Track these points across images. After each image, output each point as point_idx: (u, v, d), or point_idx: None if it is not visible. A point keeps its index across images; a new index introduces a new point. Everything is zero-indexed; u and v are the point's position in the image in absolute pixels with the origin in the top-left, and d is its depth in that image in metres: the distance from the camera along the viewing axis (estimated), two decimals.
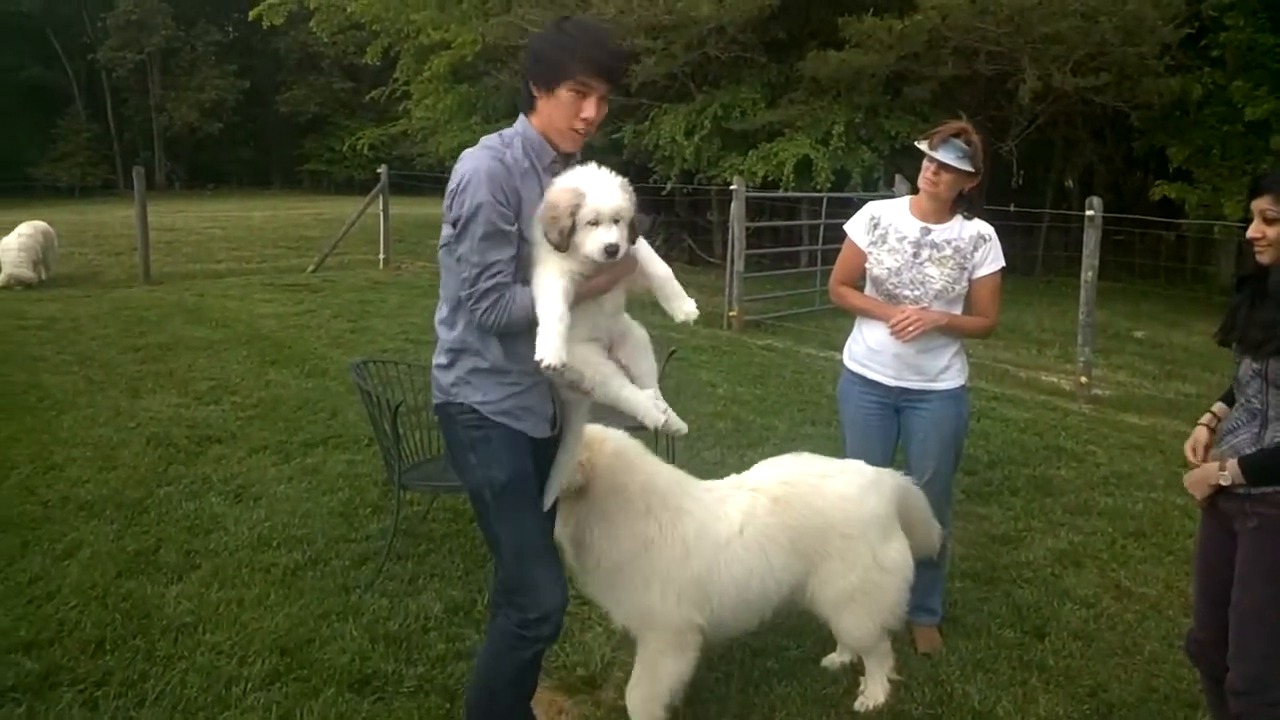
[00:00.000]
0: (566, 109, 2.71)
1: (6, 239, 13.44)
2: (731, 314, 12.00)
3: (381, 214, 17.15)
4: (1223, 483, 2.87)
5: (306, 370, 8.74)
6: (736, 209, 11.95)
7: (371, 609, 4.29)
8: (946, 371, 3.99)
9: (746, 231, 12.32)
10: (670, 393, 3.07)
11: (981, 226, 3.97)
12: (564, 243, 2.65)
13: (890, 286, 3.95)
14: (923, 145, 3.87)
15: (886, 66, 14.86)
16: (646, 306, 2.93)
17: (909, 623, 4.12)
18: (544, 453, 2.97)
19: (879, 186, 14.59)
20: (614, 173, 2.74)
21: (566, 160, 2.83)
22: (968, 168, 3.80)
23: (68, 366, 8.70)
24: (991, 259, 3.95)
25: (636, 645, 3.40)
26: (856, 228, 4.08)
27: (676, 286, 2.84)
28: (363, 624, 4.15)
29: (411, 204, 24.31)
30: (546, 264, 2.70)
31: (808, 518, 3.42)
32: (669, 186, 17.10)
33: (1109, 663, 4.05)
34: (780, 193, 15.18)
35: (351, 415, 7.15)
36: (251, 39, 47.04)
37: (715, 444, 6.78)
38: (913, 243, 3.93)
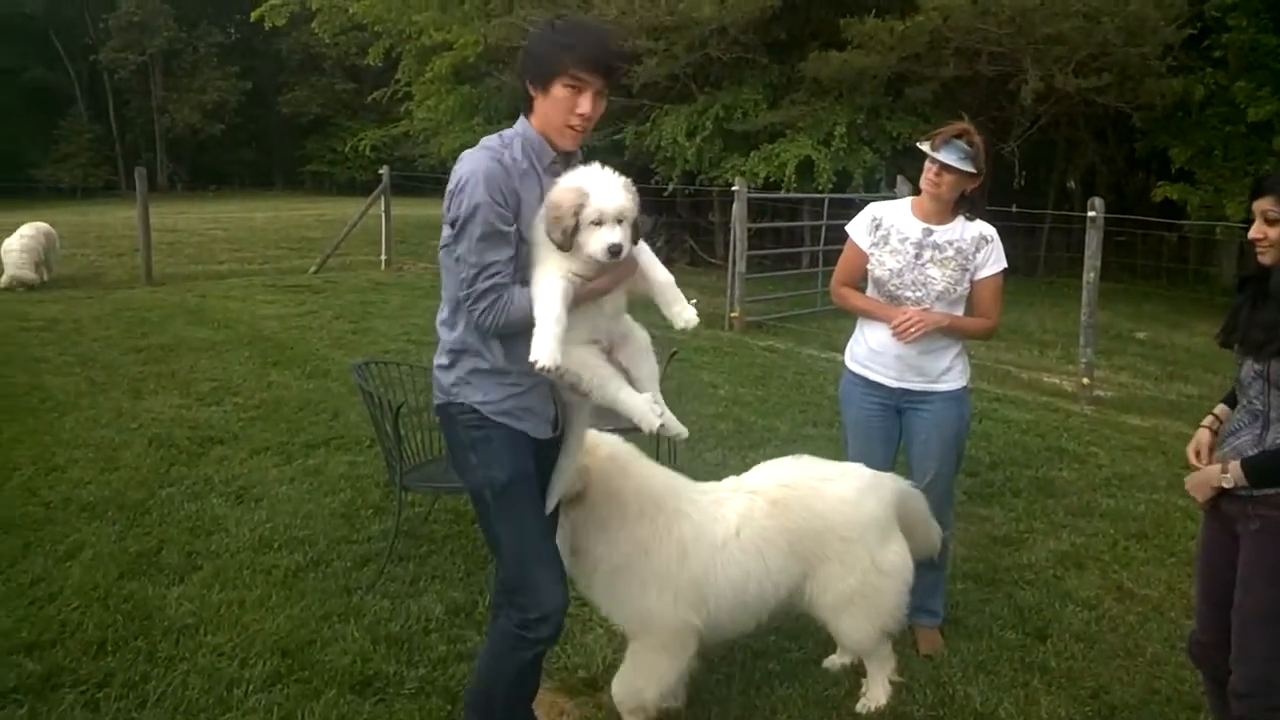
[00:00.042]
0: (562, 105, 2.71)
1: (9, 240, 13.45)
2: (733, 315, 12.00)
3: (383, 215, 17.15)
4: (1225, 485, 2.86)
5: (308, 371, 8.74)
6: (738, 210, 11.95)
7: (373, 610, 4.29)
8: (948, 373, 3.98)
9: (748, 232, 12.33)
10: (672, 394, 3.08)
11: (983, 227, 3.96)
12: (567, 242, 2.64)
13: (892, 288, 3.94)
14: (925, 146, 3.87)
15: (888, 67, 14.86)
16: (649, 308, 2.93)
17: (911, 624, 4.12)
18: (546, 454, 2.97)
19: (881, 187, 14.57)
20: (617, 173, 2.74)
21: (566, 161, 2.84)
22: (970, 169, 3.79)
23: (70, 368, 8.70)
24: (993, 260, 3.95)
25: (629, 640, 3.41)
26: (858, 229, 4.08)
27: (677, 293, 2.83)
28: (364, 625, 4.15)
29: (413, 205, 24.32)
30: (546, 265, 2.70)
31: (806, 521, 3.42)
32: (671, 187, 17.09)
33: (1111, 665, 4.04)
34: (782, 194, 15.18)
35: (353, 416, 7.15)
36: (253, 40, 47.10)
37: (717, 445, 6.78)
38: (915, 244, 3.93)
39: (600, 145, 15.72)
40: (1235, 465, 2.85)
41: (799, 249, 15.81)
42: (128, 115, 47.75)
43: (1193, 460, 3.08)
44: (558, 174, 2.79)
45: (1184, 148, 16.02)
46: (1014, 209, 14.23)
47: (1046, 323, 12.77)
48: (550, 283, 2.66)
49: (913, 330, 3.83)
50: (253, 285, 14.31)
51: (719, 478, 3.66)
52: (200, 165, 49.25)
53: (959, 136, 3.81)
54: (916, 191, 4.06)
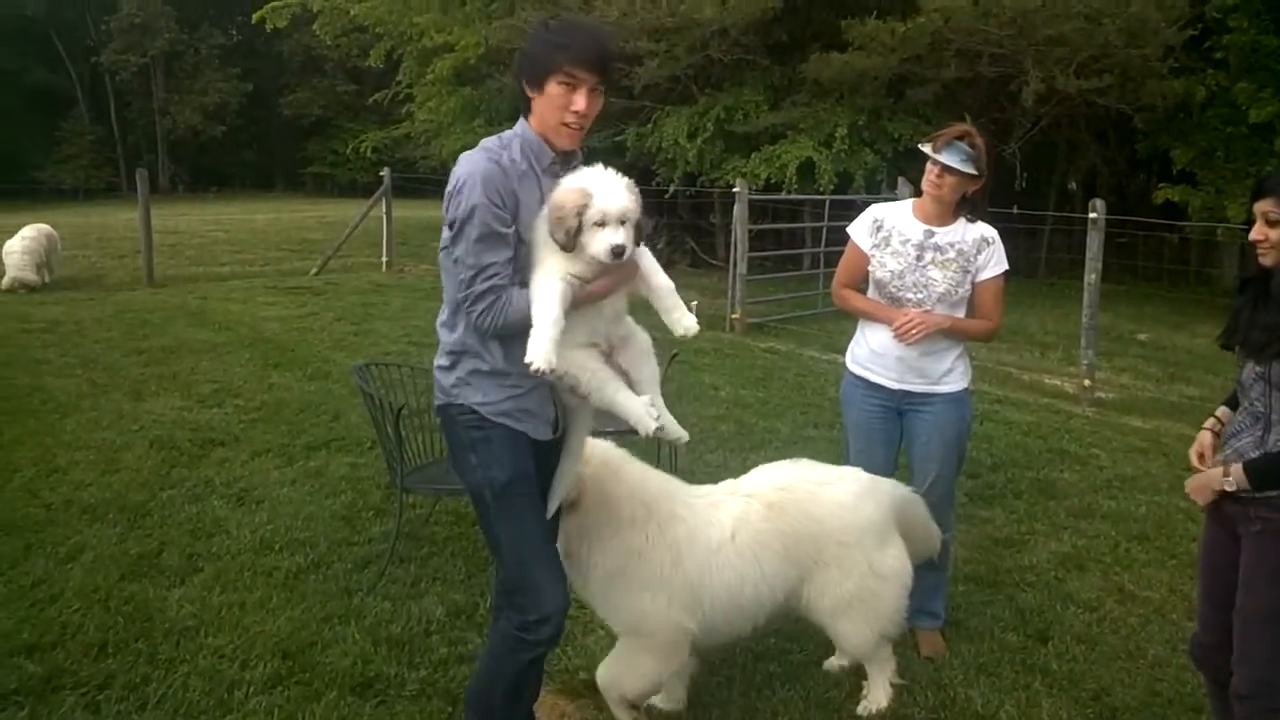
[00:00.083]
0: (557, 103, 2.71)
1: (10, 242, 13.45)
2: (734, 316, 12.00)
3: (384, 217, 17.16)
4: (1227, 488, 2.85)
5: (309, 373, 8.74)
6: (739, 211, 11.95)
7: (374, 612, 4.29)
8: (949, 374, 3.98)
9: (749, 234, 12.32)
10: (672, 395, 3.08)
11: (985, 229, 3.96)
12: (570, 243, 2.65)
13: (893, 289, 3.94)
14: (926, 148, 3.87)
15: (889, 69, 14.86)
16: (650, 310, 2.92)
17: (912, 627, 4.11)
18: (547, 457, 2.97)
19: (882, 189, 14.59)
20: (619, 174, 2.74)
21: (566, 162, 2.84)
22: (971, 171, 3.79)
23: (71, 369, 8.71)
24: (995, 262, 3.94)
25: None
26: (859, 230, 4.08)
27: (676, 299, 2.83)
28: (365, 627, 4.15)
29: (414, 207, 24.33)
30: (544, 266, 2.70)
31: (803, 525, 3.42)
32: (672, 189, 17.10)
33: (1112, 667, 4.04)
34: (783, 195, 15.19)
35: (354, 418, 7.15)
36: (255, 42, 47.13)
37: (718, 447, 6.78)
38: (916, 245, 3.92)
39: (601, 147, 15.73)
40: (1237, 468, 2.84)
41: (800, 250, 15.82)
42: (129, 117, 47.79)
43: (1195, 462, 3.08)
44: (557, 175, 2.79)
45: (1185, 149, 16.03)
46: (1015, 210, 14.25)
47: (1048, 324, 12.77)
48: (549, 285, 2.66)
49: (914, 332, 3.83)
50: (254, 287, 14.31)
51: (720, 480, 3.66)
52: (201, 167, 49.29)
53: (961, 138, 3.81)
54: (918, 193, 4.06)
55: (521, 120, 2.82)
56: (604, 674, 3.41)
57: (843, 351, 4.32)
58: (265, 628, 4.13)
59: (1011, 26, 13.98)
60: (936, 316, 3.87)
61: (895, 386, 3.98)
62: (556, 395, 2.92)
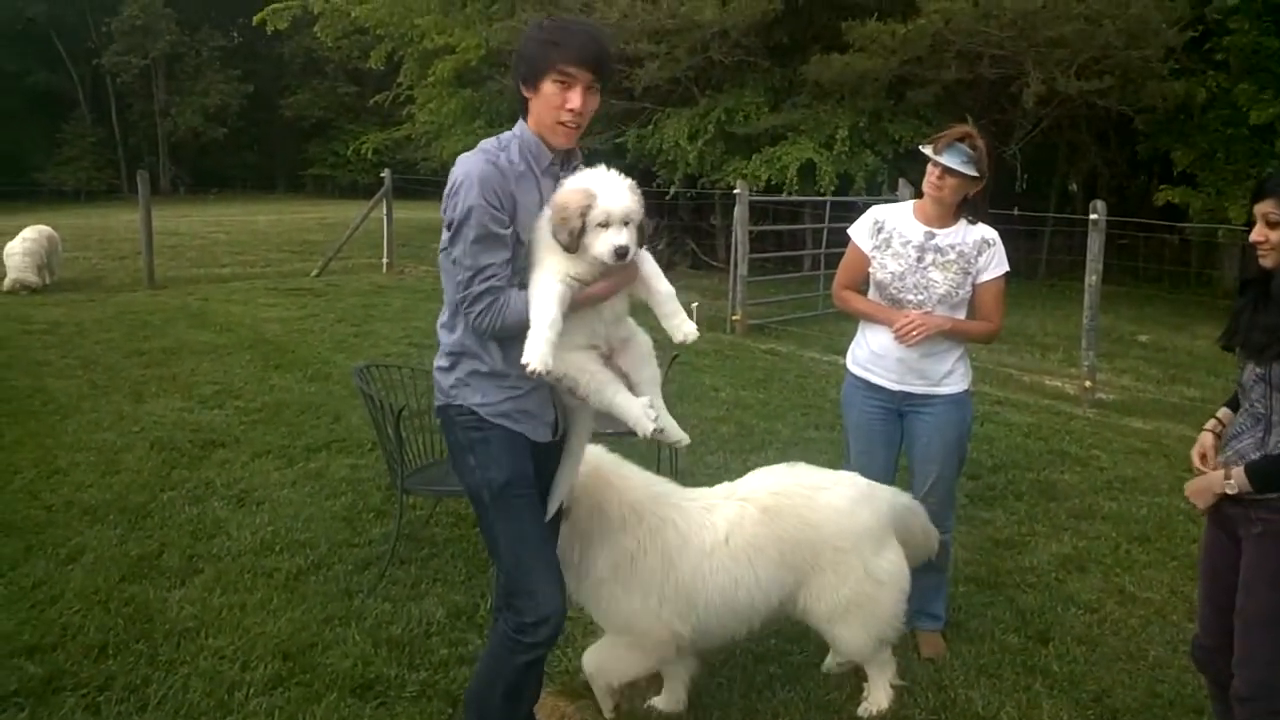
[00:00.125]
0: (552, 102, 2.72)
1: (11, 244, 13.46)
2: (735, 318, 12.00)
3: (385, 218, 17.16)
4: (1229, 491, 2.85)
5: (310, 374, 8.75)
6: (740, 213, 11.95)
7: (374, 614, 4.29)
8: (950, 376, 3.98)
9: (750, 235, 12.32)
10: (673, 397, 3.08)
11: (986, 231, 3.96)
12: (573, 244, 2.65)
13: (894, 291, 3.94)
14: (927, 150, 3.87)
15: (890, 70, 14.87)
16: (652, 312, 2.92)
17: (912, 628, 4.11)
18: (547, 459, 2.97)
19: (882, 190, 14.59)
20: (622, 175, 2.74)
21: (566, 163, 2.84)
22: (972, 172, 3.79)
23: (72, 371, 8.71)
24: (995, 263, 3.94)
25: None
26: (860, 232, 4.07)
27: (676, 305, 2.82)
28: (365, 629, 4.15)
29: (415, 208, 24.34)
30: (543, 268, 2.70)
31: (799, 530, 3.42)
32: (672, 191, 17.10)
33: (1113, 668, 4.03)
34: (784, 197, 15.19)
35: (355, 419, 7.15)
36: (256, 44, 47.18)
37: (718, 448, 6.78)
38: (917, 247, 3.92)
39: (602, 148, 15.75)
40: (1238, 471, 2.83)
41: (800, 252, 15.82)
42: (130, 119, 47.81)
43: (1196, 464, 3.07)
44: (556, 176, 2.80)
45: (1186, 151, 16.03)
46: (1016, 212, 14.27)
47: (1048, 326, 12.76)
48: (547, 286, 2.66)
49: (914, 333, 3.83)
50: (255, 288, 14.32)
51: (719, 482, 3.67)
52: (202, 168, 49.26)
53: (962, 140, 3.80)
54: (919, 194, 4.06)
55: (520, 122, 2.83)
56: (590, 659, 3.48)
57: (843, 353, 4.32)
58: (266, 629, 4.13)
59: (1012, 28, 13.99)
60: (937, 318, 3.86)
61: (896, 388, 3.98)
62: (557, 397, 2.92)
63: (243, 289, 14.27)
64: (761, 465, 3.75)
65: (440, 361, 2.90)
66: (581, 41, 2.71)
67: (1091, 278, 8.92)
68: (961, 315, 3.96)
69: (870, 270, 4.02)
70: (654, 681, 3.67)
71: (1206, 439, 3.10)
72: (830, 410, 7.55)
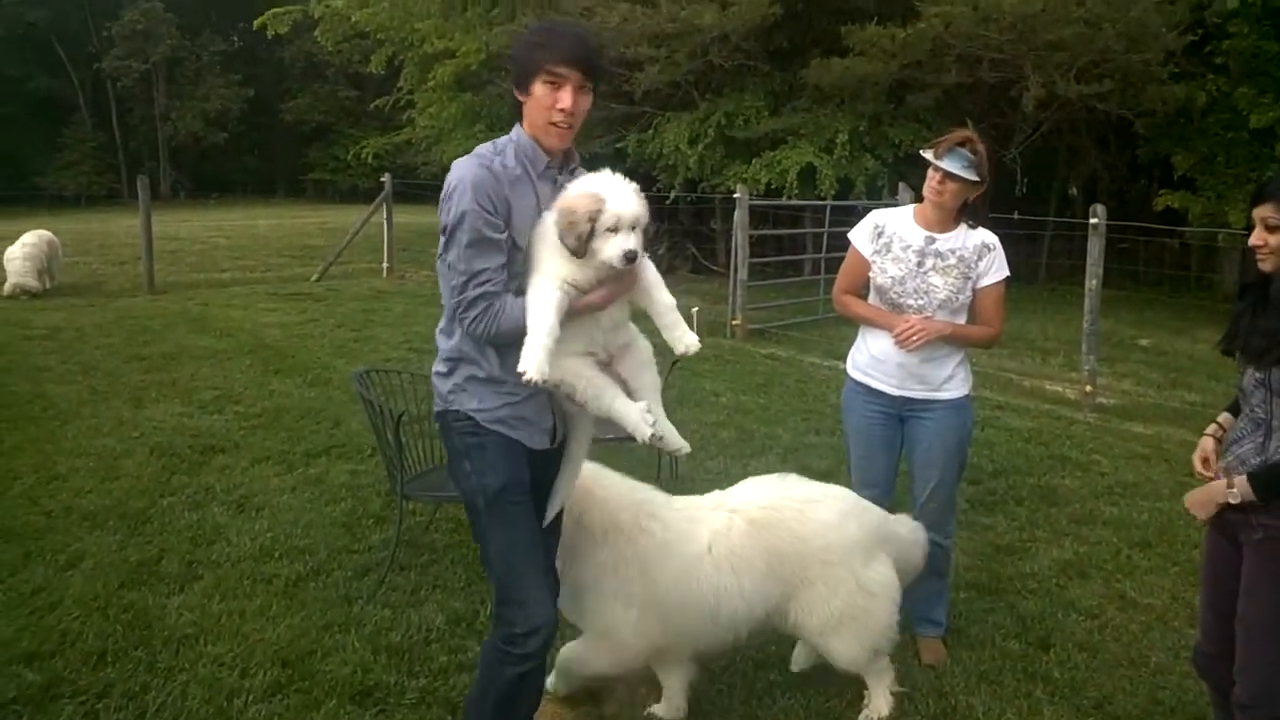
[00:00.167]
0: (543, 103, 2.72)
1: (11, 248, 13.46)
2: (735, 322, 12.00)
3: (385, 223, 17.15)
4: (1232, 500, 2.84)
5: (310, 380, 8.74)
6: (740, 217, 11.95)
7: (374, 620, 4.28)
8: (950, 381, 3.97)
9: (750, 240, 12.33)
10: (673, 402, 3.07)
11: (986, 235, 3.95)
12: (581, 249, 2.64)
13: (894, 295, 3.93)
14: (928, 154, 3.87)
15: (890, 74, 14.86)
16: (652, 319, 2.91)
17: (913, 634, 4.12)
18: (546, 467, 2.96)
19: (883, 195, 14.59)
20: (627, 179, 2.74)
21: (563, 167, 2.84)
22: (973, 177, 3.79)
23: (72, 376, 8.70)
24: (996, 268, 3.94)
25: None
26: (860, 236, 4.07)
27: (677, 317, 2.81)
28: (365, 635, 4.14)
29: (415, 213, 24.33)
30: (541, 274, 2.70)
31: (787, 543, 3.42)
32: (673, 195, 17.11)
33: (1114, 675, 4.02)
34: (784, 201, 15.19)
35: (354, 425, 7.14)
36: (256, 48, 47.14)
37: (718, 453, 6.77)
38: (917, 251, 3.92)
39: (603, 153, 15.73)
40: (1241, 479, 2.82)
41: (801, 256, 15.82)
42: (131, 123, 47.81)
43: (1198, 468, 3.07)
44: (554, 180, 2.80)
45: (1186, 154, 16.03)
46: (1016, 216, 14.22)
47: (1049, 330, 12.76)
48: (545, 293, 2.66)
49: (915, 338, 3.82)
50: (255, 293, 14.32)
51: (720, 486, 3.67)
52: (203, 173, 49.23)
53: (962, 144, 3.80)
54: (919, 199, 4.05)
55: (516, 126, 2.83)
56: (566, 655, 3.50)
57: (844, 358, 4.31)
58: (265, 636, 4.12)
59: (1012, 32, 13.98)
60: (937, 323, 3.86)
61: (896, 393, 3.97)
62: (556, 404, 2.91)
63: (243, 294, 14.27)
64: (762, 470, 3.76)
65: (439, 367, 2.89)
66: (569, 42, 2.72)
67: (1092, 282, 8.91)
68: (962, 320, 3.96)
69: (870, 275, 4.01)
70: (654, 690, 3.66)
71: (1207, 444, 3.10)
72: (831, 415, 7.54)
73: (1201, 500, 2.96)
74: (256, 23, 24.79)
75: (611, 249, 2.64)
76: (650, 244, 2.86)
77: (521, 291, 2.72)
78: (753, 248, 12.60)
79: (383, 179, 17.59)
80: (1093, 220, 8.95)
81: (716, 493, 3.63)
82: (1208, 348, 10.32)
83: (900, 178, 13.04)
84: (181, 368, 9.10)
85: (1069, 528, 5.67)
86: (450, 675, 3.84)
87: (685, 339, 2.78)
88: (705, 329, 11.03)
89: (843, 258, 4.17)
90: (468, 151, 2.82)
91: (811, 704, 3.72)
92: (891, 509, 4.07)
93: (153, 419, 7.33)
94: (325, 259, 17.09)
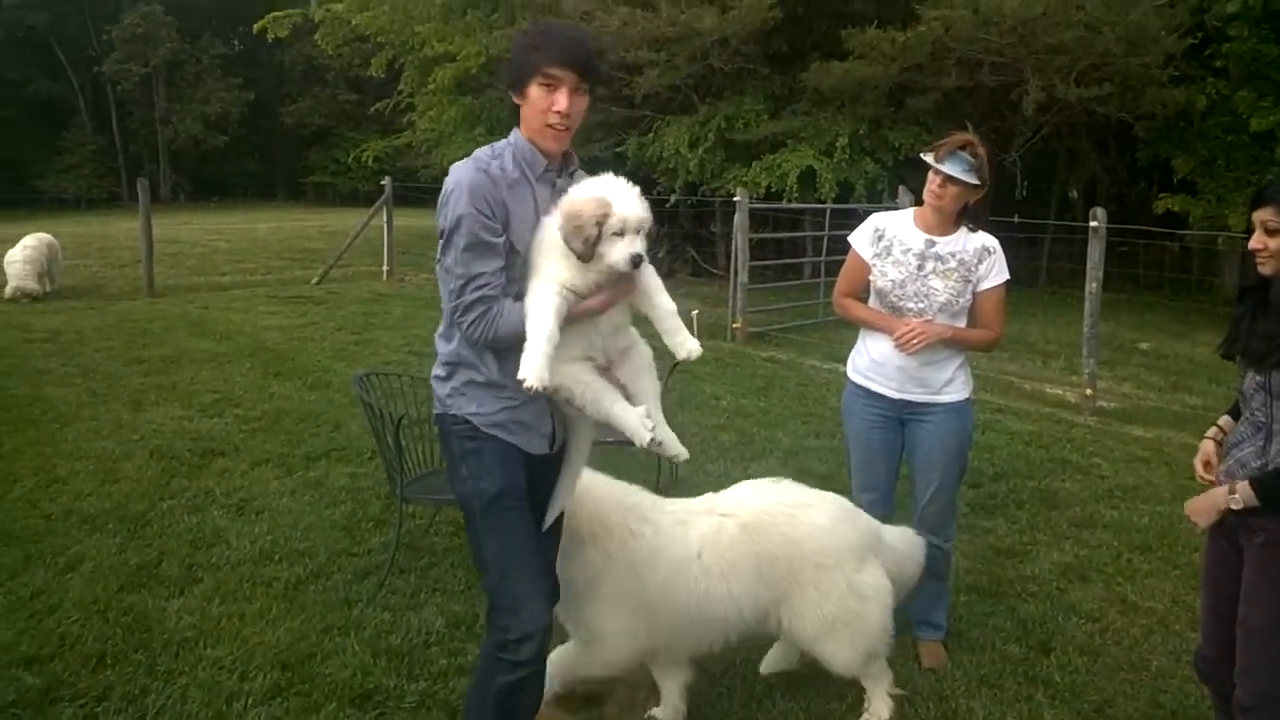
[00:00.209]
0: (538, 105, 2.72)
1: (11, 251, 13.48)
2: (735, 326, 12.00)
3: (385, 226, 17.17)
4: (1234, 506, 2.82)
5: (310, 383, 8.74)
6: (740, 220, 11.95)
7: (373, 623, 4.27)
8: (951, 384, 3.97)
9: (750, 243, 12.33)
10: (674, 405, 3.07)
11: (986, 239, 3.95)
12: (588, 253, 2.63)
13: (894, 299, 3.93)
14: (929, 158, 3.87)
15: (890, 78, 14.87)
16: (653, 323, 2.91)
17: (914, 638, 4.11)
18: (545, 473, 2.95)
19: (883, 198, 14.59)
20: (630, 183, 2.73)
21: (561, 170, 2.84)
22: (974, 180, 3.79)
23: (71, 379, 8.70)
24: (996, 271, 3.93)
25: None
26: (860, 239, 4.07)
27: (678, 322, 2.79)
28: (364, 638, 4.14)
29: (415, 216, 24.31)
30: (540, 278, 2.69)
31: (779, 546, 3.42)
32: (673, 198, 17.11)
33: (1115, 678, 4.02)
34: (784, 204, 15.19)
35: (354, 428, 7.14)
36: (257, 52, 47.17)
37: (719, 456, 6.76)
38: (917, 255, 3.92)
39: (602, 156, 15.74)
40: (1243, 485, 2.81)
41: (801, 259, 15.81)
42: (131, 126, 47.86)
43: (1200, 472, 3.06)
44: (552, 183, 2.79)
45: (1186, 158, 16.03)
46: (1016, 219, 14.21)
47: (1049, 333, 12.76)
48: (544, 298, 2.65)
49: (915, 342, 3.82)
50: (255, 296, 14.32)
51: (719, 490, 3.67)
52: (203, 176, 49.28)
53: (963, 148, 3.80)
54: (919, 202, 4.05)
55: (514, 130, 2.83)
56: (555, 659, 3.46)
57: (844, 361, 4.31)
58: (265, 639, 4.11)
59: (1012, 35, 13.99)
60: (937, 326, 3.85)
61: (896, 396, 3.97)
62: (556, 408, 2.90)
63: (243, 297, 14.28)
64: (762, 474, 3.76)
65: (438, 371, 2.89)
66: (564, 44, 2.72)
67: (1092, 285, 8.92)
68: (962, 323, 3.96)
69: (871, 278, 4.01)
70: (654, 693, 3.66)
71: (1208, 447, 3.10)
72: (831, 418, 7.54)
73: (1203, 507, 2.95)
74: (257, 26, 24.79)
75: (618, 253, 2.64)
76: (650, 247, 2.86)
77: (520, 296, 2.71)
78: (753, 251, 12.60)
79: (383, 182, 17.62)
80: (1093, 223, 8.96)
81: (709, 496, 3.63)
82: (1208, 351, 10.31)
83: (900, 181, 13.03)
84: (181, 371, 9.10)
85: (1069, 531, 5.66)
86: (450, 678, 3.83)
87: (686, 344, 2.77)
88: (705, 332, 11.03)
89: (843, 261, 4.17)
90: (468, 155, 2.82)
91: (811, 707, 3.72)
92: (892, 513, 4.08)
93: (152, 422, 7.32)
94: (325, 262, 17.10)
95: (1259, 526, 2.81)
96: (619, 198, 2.65)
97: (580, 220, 2.62)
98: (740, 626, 3.44)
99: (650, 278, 2.80)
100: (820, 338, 11.88)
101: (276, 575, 4.74)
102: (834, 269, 4.60)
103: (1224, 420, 3.12)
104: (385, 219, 17.13)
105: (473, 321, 2.68)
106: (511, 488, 2.81)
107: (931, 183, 3.86)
